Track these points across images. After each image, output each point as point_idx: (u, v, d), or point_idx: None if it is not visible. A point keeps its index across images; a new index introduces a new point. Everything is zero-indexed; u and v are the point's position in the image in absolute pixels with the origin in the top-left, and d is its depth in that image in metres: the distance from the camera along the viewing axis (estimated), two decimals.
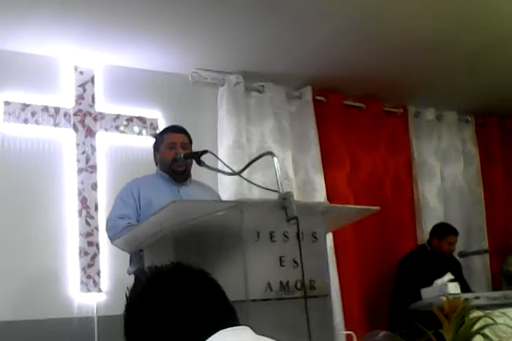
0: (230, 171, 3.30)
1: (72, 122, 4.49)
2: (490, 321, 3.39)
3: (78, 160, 4.47)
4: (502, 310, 3.83)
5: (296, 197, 2.88)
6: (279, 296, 2.63)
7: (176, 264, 1.36)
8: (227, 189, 4.76)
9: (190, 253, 2.64)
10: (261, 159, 3.06)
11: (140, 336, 1.29)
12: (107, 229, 3.45)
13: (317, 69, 5.23)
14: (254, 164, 3.16)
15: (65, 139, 4.49)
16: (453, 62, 5.25)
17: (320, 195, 5.31)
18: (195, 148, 3.61)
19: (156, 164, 3.67)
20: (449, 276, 4.68)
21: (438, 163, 6.28)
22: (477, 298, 4.42)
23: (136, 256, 3.20)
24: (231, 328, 1.25)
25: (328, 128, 5.62)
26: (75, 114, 4.52)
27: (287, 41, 4.70)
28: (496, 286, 6.13)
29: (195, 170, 3.60)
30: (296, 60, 5.02)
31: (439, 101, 6.20)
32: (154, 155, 3.69)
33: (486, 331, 3.18)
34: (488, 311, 3.54)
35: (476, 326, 3.10)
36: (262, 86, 5.30)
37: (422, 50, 4.95)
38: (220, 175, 4.68)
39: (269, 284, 2.63)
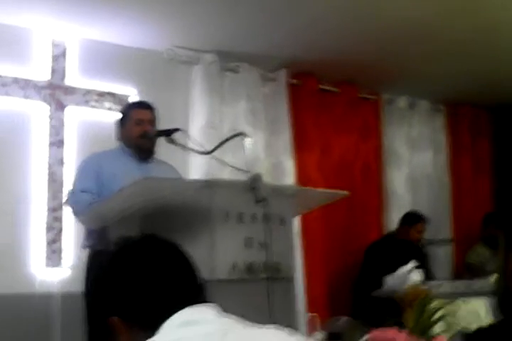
0: (201, 150, 3.28)
1: (43, 95, 4.42)
2: (452, 309, 3.43)
3: (50, 134, 4.41)
4: (464, 299, 3.88)
5: (266, 179, 2.87)
6: (244, 277, 2.64)
7: (147, 235, 1.34)
8: (197, 169, 4.74)
9: (157, 231, 2.61)
10: (233, 140, 3.05)
11: (106, 306, 1.27)
12: (70, 203, 3.39)
13: (293, 52, 5.21)
14: (225, 145, 3.15)
15: (36, 112, 4.42)
16: (428, 51, 5.26)
17: (290, 179, 5.31)
18: (167, 126, 3.55)
19: (119, 139, 3.61)
20: (412, 264, 4.71)
21: (408, 150, 6.32)
22: (440, 286, 4.47)
23: (99, 232, 3.14)
24: (197, 305, 1.24)
25: (302, 111, 5.61)
26: (46, 87, 4.45)
27: (264, 22, 4.67)
28: (458, 275, 6.20)
29: (165, 149, 3.56)
30: (273, 42, 4.99)
31: (413, 89, 6.23)
32: (118, 129, 3.61)
33: (448, 319, 3.21)
34: (450, 300, 3.57)
35: (438, 314, 3.12)
36: (237, 66, 5.27)
37: (398, 37, 4.94)
38: (190, 154, 4.65)
39: (235, 265, 2.63)
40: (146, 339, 1.18)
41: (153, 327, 1.20)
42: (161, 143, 3.47)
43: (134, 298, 1.24)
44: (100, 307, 1.28)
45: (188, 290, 1.27)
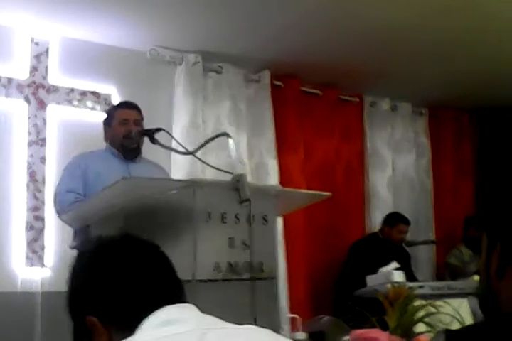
0: (183, 150, 3.27)
1: (24, 94, 4.39)
2: (433, 310, 3.44)
3: (29, 133, 4.38)
4: (445, 299, 3.89)
5: (249, 180, 2.87)
6: (227, 277, 2.63)
7: (126, 235, 1.33)
8: (180, 169, 4.73)
9: (139, 231, 2.60)
10: (215, 141, 3.04)
11: (84, 306, 1.25)
12: (55, 203, 3.39)
13: (276, 54, 5.22)
14: (208, 145, 3.15)
15: (17, 111, 4.38)
16: (411, 54, 5.28)
17: (273, 180, 5.31)
18: (150, 126, 3.54)
19: (106, 140, 3.61)
20: (394, 265, 4.74)
21: (390, 153, 6.34)
22: (421, 287, 4.49)
23: (81, 231, 3.14)
24: (176, 305, 1.22)
25: (285, 113, 5.62)
26: (27, 86, 4.42)
27: (248, 23, 4.67)
28: (440, 276, 6.24)
29: (148, 149, 3.55)
30: (256, 43, 4.99)
31: (395, 92, 6.25)
32: (104, 130, 3.61)
33: (429, 319, 3.22)
34: (431, 301, 3.58)
35: (419, 314, 3.14)
36: (221, 67, 5.26)
37: (380, 40, 4.96)
38: (173, 155, 4.64)
39: (217, 265, 2.62)
40: (124, 338, 1.17)
41: (131, 327, 1.18)
42: (145, 143, 3.47)
43: (111, 297, 1.23)
44: (78, 307, 1.27)
45: (167, 290, 1.26)
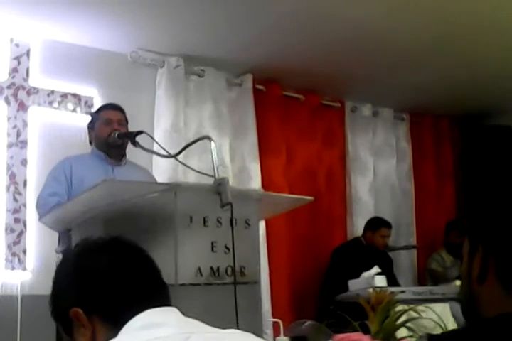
0: (165, 154, 3.25)
1: (4, 95, 4.35)
2: (415, 315, 3.44)
3: (8, 135, 4.34)
4: (427, 304, 3.90)
5: (231, 184, 2.85)
6: (209, 281, 2.62)
7: (113, 237, 1.33)
8: (161, 173, 4.70)
9: (120, 234, 2.58)
10: (197, 144, 3.03)
11: (70, 300, 1.26)
12: (37, 207, 3.38)
13: (258, 58, 5.21)
14: (190, 148, 3.13)
15: None
16: (392, 60, 5.31)
17: (255, 183, 5.30)
18: (131, 128, 3.56)
19: (91, 143, 3.59)
20: (376, 269, 4.74)
21: (371, 158, 6.35)
22: (403, 292, 4.50)
23: (65, 235, 3.12)
24: (160, 308, 1.22)
25: (267, 117, 5.61)
26: (7, 87, 4.38)
27: (230, 27, 4.66)
28: (422, 282, 6.26)
29: (130, 152, 3.54)
30: (238, 47, 4.98)
31: (376, 97, 6.27)
32: (89, 133, 3.61)
33: (411, 324, 3.23)
34: (413, 305, 3.59)
35: (401, 319, 3.13)
36: (203, 70, 5.24)
37: (362, 45, 4.98)
38: (155, 158, 4.61)
39: (199, 269, 2.61)
40: (107, 332, 1.19)
41: (115, 323, 1.19)
42: (128, 146, 3.45)
43: (97, 288, 1.24)
44: (63, 301, 1.27)
45: (151, 289, 1.26)
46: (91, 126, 3.60)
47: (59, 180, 3.37)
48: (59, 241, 3.33)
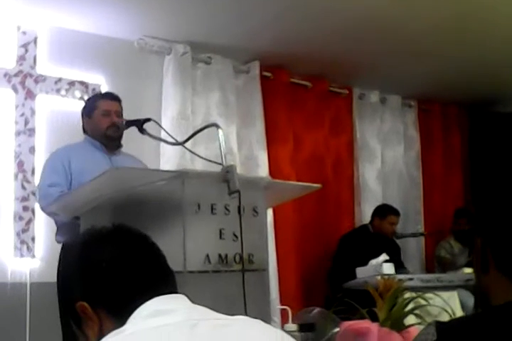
0: (173, 141, 3.24)
1: (11, 83, 4.35)
2: (422, 302, 3.44)
3: (16, 123, 4.34)
4: (435, 292, 3.90)
5: (239, 171, 2.85)
6: (217, 269, 2.61)
7: (117, 226, 1.32)
8: (169, 160, 4.70)
9: (128, 222, 2.59)
10: (205, 132, 3.02)
11: (76, 292, 1.25)
12: (38, 199, 3.36)
13: (265, 45, 5.19)
14: (197, 136, 3.12)
15: (4, 100, 4.33)
16: (400, 47, 5.28)
17: (263, 171, 5.29)
18: (138, 116, 3.49)
19: (84, 130, 3.53)
20: (384, 257, 4.74)
21: (379, 145, 6.34)
22: (411, 279, 4.50)
23: (65, 225, 3.09)
24: (167, 296, 1.22)
25: (274, 104, 5.59)
26: (15, 75, 4.37)
27: (237, 13, 4.64)
28: (429, 269, 6.26)
29: (136, 140, 3.50)
30: (245, 34, 4.96)
31: (384, 84, 6.24)
32: (83, 121, 3.53)
33: (419, 311, 3.23)
34: (421, 293, 3.59)
35: (409, 306, 3.14)
36: (210, 57, 5.23)
37: (370, 32, 4.95)
38: (162, 146, 4.61)
39: (207, 256, 2.61)
40: (113, 325, 1.18)
41: (122, 314, 1.18)
42: (133, 134, 3.42)
43: (102, 283, 1.23)
44: (70, 293, 1.27)
45: (158, 278, 1.26)
46: (87, 113, 3.51)
47: (57, 171, 3.31)
48: (57, 230, 3.31)
